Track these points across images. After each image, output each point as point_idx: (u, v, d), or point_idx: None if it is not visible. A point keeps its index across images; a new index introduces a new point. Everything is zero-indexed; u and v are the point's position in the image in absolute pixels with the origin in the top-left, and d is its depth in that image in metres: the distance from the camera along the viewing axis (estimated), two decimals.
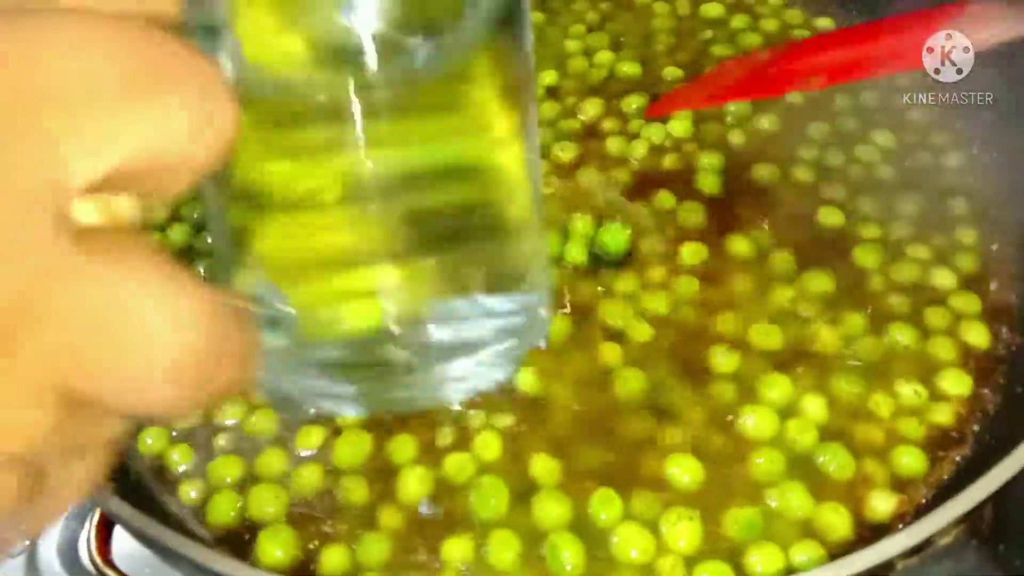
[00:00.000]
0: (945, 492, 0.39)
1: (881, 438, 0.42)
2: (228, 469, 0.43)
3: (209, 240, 0.26)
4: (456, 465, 0.42)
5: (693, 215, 0.51)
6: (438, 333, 0.26)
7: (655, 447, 0.42)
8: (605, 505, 0.40)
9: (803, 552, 0.39)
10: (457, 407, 0.43)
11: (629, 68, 0.60)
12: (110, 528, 0.48)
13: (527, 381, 0.44)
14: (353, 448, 0.43)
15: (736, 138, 0.55)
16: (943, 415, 0.43)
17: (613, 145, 0.55)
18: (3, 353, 0.14)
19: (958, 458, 0.42)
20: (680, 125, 0.56)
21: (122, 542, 0.48)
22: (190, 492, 0.43)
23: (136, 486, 0.43)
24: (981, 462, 0.38)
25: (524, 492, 0.41)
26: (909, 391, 0.44)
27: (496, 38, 0.24)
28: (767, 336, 0.46)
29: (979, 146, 0.54)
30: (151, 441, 0.44)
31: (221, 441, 0.44)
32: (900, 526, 0.39)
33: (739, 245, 0.50)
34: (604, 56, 0.61)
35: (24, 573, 0.50)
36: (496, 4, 0.23)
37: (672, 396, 0.44)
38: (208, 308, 0.16)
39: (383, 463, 0.42)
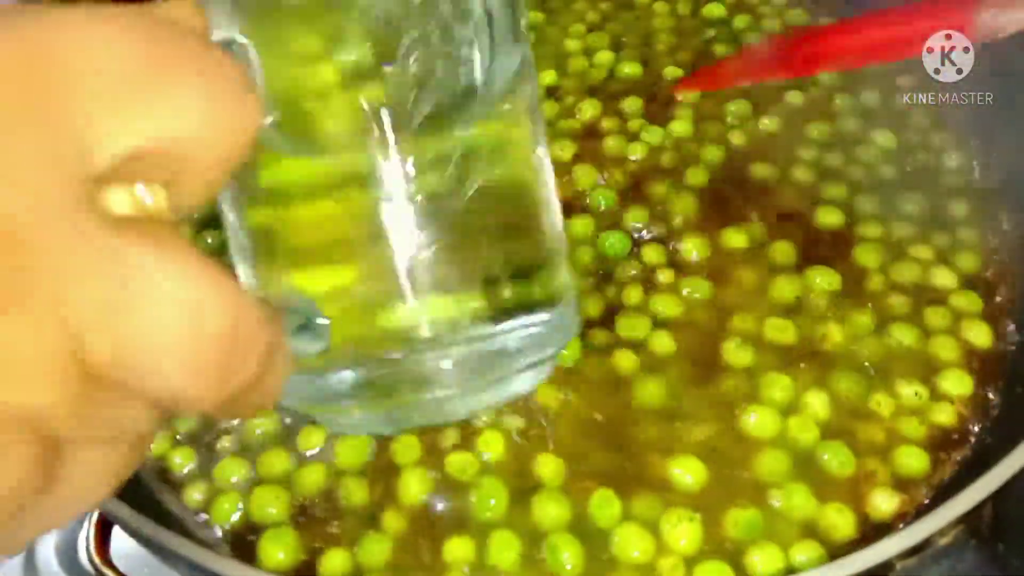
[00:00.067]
0: (945, 492, 0.39)
1: (883, 438, 0.42)
2: (231, 471, 0.43)
3: (231, 248, 0.26)
4: (459, 465, 0.42)
5: (692, 214, 0.51)
6: (471, 345, 0.27)
7: (661, 448, 0.42)
8: (605, 506, 0.40)
9: (803, 552, 0.39)
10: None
11: (630, 68, 0.60)
12: (109, 528, 0.48)
13: (542, 392, 0.44)
14: (355, 449, 0.43)
15: (736, 138, 0.55)
16: (944, 415, 0.43)
17: (612, 145, 0.55)
18: (22, 309, 0.15)
19: (959, 458, 0.42)
20: (681, 125, 0.56)
21: (121, 542, 0.48)
22: (193, 494, 0.43)
23: (136, 486, 0.43)
24: (981, 462, 0.38)
25: (527, 492, 0.41)
26: (910, 392, 0.43)
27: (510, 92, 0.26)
28: (781, 332, 0.46)
29: (979, 146, 0.54)
30: (153, 444, 0.44)
31: (224, 443, 0.44)
32: (901, 525, 0.39)
33: (737, 240, 0.50)
34: (604, 56, 0.61)
35: (22, 572, 0.50)
36: (510, 73, 0.25)
37: (682, 398, 0.44)
38: (234, 300, 0.17)
39: (385, 463, 0.42)
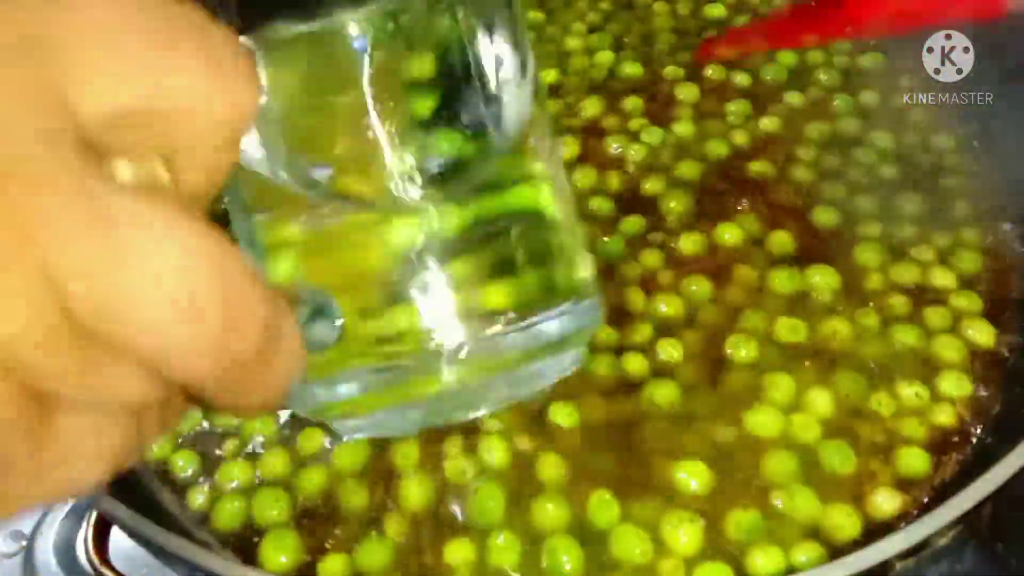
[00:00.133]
0: (945, 492, 0.39)
1: (883, 438, 0.42)
2: (232, 474, 0.43)
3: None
4: (459, 469, 0.42)
5: (690, 214, 0.51)
6: (490, 343, 0.26)
7: (665, 451, 0.42)
8: (605, 508, 0.40)
9: (803, 553, 0.39)
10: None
11: (630, 68, 0.60)
12: (107, 528, 0.48)
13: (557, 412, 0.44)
14: (354, 451, 0.43)
15: (737, 138, 0.55)
16: (944, 416, 0.43)
17: (613, 144, 0.55)
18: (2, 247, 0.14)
19: (959, 458, 0.42)
20: (681, 126, 0.56)
21: (119, 542, 0.48)
22: (195, 497, 0.43)
23: (135, 487, 0.43)
24: (981, 462, 0.38)
25: (529, 495, 0.41)
26: (911, 393, 0.43)
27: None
28: (791, 331, 0.46)
29: (979, 146, 0.54)
30: (155, 448, 0.44)
31: (225, 445, 0.44)
32: (903, 525, 0.39)
33: (735, 238, 0.50)
34: (605, 55, 0.61)
35: (21, 572, 0.50)
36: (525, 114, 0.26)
37: (685, 398, 0.44)
38: (228, 263, 0.16)
39: (386, 466, 0.42)
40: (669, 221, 0.51)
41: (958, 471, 0.41)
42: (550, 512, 0.40)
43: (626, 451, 0.42)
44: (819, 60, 0.60)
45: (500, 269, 0.26)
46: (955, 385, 0.44)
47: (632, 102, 0.58)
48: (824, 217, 0.51)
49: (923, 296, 0.47)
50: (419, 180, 0.24)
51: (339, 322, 0.22)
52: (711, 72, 0.59)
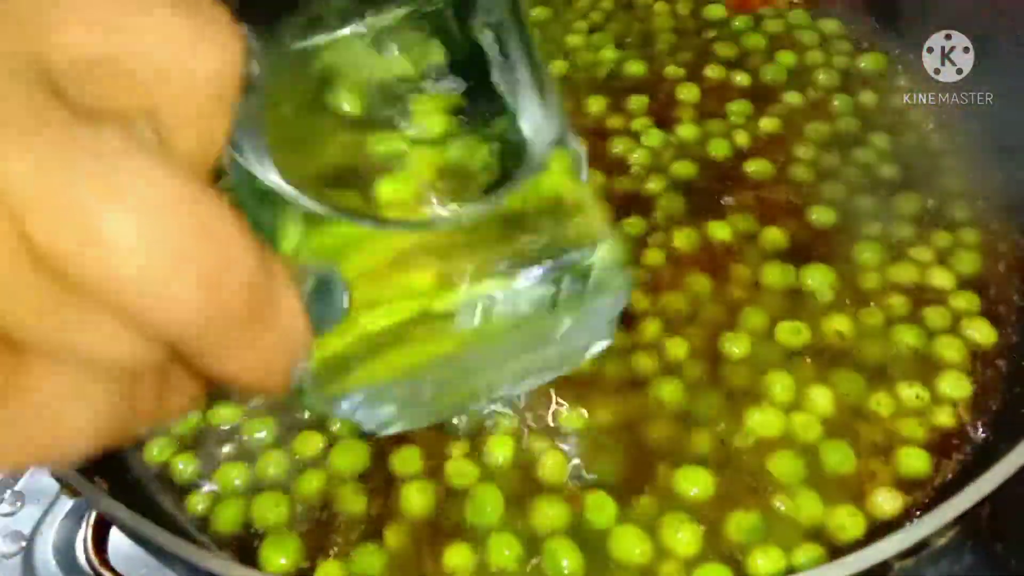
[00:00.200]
0: (944, 492, 0.39)
1: (883, 438, 0.42)
2: (232, 476, 0.43)
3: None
4: (460, 470, 0.42)
5: (688, 213, 0.51)
6: (506, 306, 0.25)
7: (668, 452, 0.42)
8: (604, 509, 0.40)
9: (803, 553, 0.39)
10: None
11: (633, 67, 0.60)
12: (107, 528, 0.48)
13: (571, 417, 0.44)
14: (353, 454, 0.43)
15: (739, 138, 0.55)
16: (944, 416, 0.43)
17: (617, 144, 0.55)
18: None
19: (958, 458, 0.42)
20: (682, 126, 0.56)
21: (119, 542, 0.48)
22: (195, 499, 0.42)
23: (135, 488, 0.43)
24: (981, 462, 0.38)
25: (528, 497, 0.41)
26: (911, 394, 0.43)
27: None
28: (794, 332, 0.46)
29: (979, 146, 0.54)
30: (155, 451, 0.44)
31: (225, 448, 0.44)
32: (906, 524, 0.39)
33: (734, 236, 0.50)
34: (607, 54, 0.61)
35: (21, 572, 0.50)
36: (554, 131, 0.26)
37: (693, 398, 0.44)
38: (210, 211, 0.15)
39: (385, 469, 0.42)
40: (669, 221, 0.51)
41: (957, 471, 0.41)
42: (549, 513, 0.40)
43: (630, 451, 0.42)
44: (819, 60, 0.60)
45: (509, 222, 0.25)
46: (955, 385, 0.44)
47: (636, 101, 0.58)
48: (823, 217, 0.51)
49: (923, 296, 0.47)
50: (429, 199, 0.23)
51: (341, 283, 0.21)
52: (711, 72, 0.59)
